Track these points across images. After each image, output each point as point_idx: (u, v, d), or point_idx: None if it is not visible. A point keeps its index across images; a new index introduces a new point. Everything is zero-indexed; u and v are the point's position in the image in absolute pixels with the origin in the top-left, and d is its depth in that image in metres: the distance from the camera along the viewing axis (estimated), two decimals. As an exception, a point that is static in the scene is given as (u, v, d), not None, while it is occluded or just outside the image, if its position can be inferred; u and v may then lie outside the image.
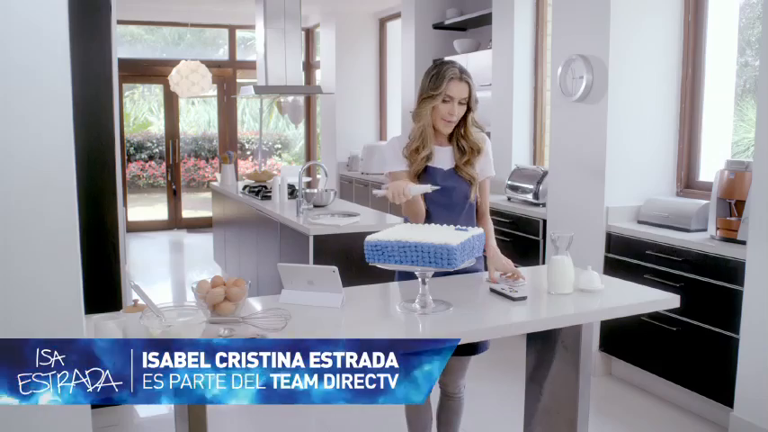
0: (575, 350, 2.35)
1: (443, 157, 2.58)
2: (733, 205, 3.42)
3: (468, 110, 2.54)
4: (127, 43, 9.54)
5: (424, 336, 1.91)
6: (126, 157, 9.56)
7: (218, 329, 1.86)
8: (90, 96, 3.23)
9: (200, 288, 2.02)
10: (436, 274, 2.18)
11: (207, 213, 8.09)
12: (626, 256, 3.85)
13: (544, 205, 4.59)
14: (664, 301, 2.29)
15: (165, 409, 3.40)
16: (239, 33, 9.50)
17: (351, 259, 3.58)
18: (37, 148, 1.51)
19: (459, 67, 2.53)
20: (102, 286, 3.27)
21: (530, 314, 2.16)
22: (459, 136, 2.57)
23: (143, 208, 9.77)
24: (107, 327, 1.77)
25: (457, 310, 2.09)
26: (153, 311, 1.78)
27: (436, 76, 2.50)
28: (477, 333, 1.99)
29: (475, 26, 6.37)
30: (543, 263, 4.44)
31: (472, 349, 2.50)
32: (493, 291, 2.29)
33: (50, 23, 1.45)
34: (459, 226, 2.19)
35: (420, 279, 2.10)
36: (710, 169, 3.99)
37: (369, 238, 2.05)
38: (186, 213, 9.53)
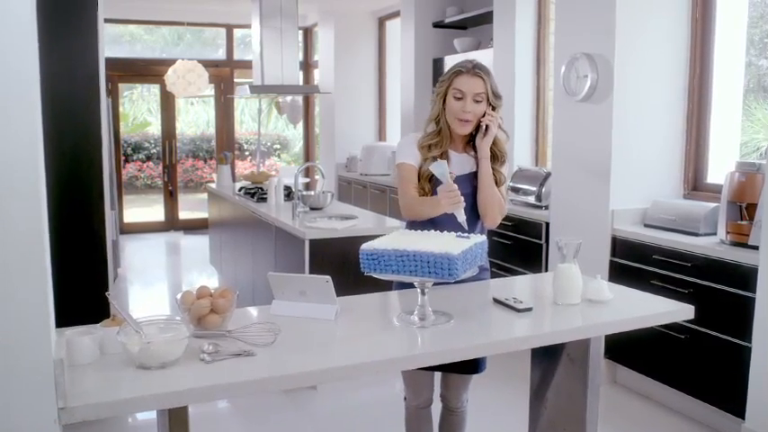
0: (582, 363, 2.23)
1: (457, 163, 2.43)
2: (744, 208, 3.30)
3: (492, 108, 2.39)
4: (126, 43, 9.44)
5: (424, 351, 1.78)
6: (124, 158, 9.46)
7: (202, 344, 1.74)
8: (76, 95, 3.13)
9: (185, 300, 1.90)
10: (437, 283, 2.05)
11: (204, 215, 7.98)
12: (632, 261, 3.73)
13: (547, 208, 4.47)
14: (677, 312, 2.16)
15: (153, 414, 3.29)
16: (239, 32, 9.38)
17: (348, 264, 3.46)
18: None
19: (475, 62, 2.39)
20: (89, 292, 3.15)
21: (535, 327, 2.03)
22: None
23: (140, 209, 9.66)
24: (81, 343, 1.65)
25: (458, 322, 1.97)
26: (131, 326, 1.66)
27: (448, 69, 2.41)
28: (479, 349, 1.86)
29: (475, 25, 6.26)
30: (546, 267, 4.32)
31: (474, 367, 2.38)
32: (496, 301, 2.17)
33: (15, 16, 1.32)
34: (460, 233, 2.06)
35: (419, 289, 1.97)
36: (718, 171, 3.88)
37: (364, 246, 1.93)
38: (183, 215, 9.41)
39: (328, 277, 2.01)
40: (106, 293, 1.73)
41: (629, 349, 3.77)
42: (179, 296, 1.93)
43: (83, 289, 3.11)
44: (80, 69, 3.13)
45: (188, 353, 1.69)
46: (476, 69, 2.36)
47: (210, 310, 1.89)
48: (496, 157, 2.44)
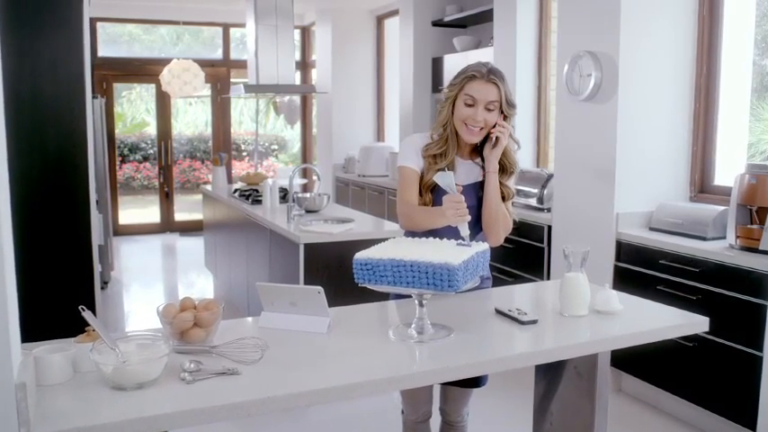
0: (590, 377, 2.10)
1: (463, 171, 2.28)
2: (754, 212, 3.19)
3: (505, 117, 2.23)
4: (125, 43, 9.31)
5: (421, 370, 1.66)
6: (120, 159, 9.35)
7: (183, 362, 1.61)
8: (61, 95, 3.01)
9: (166, 313, 1.78)
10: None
11: (201, 216, 7.87)
12: (637, 266, 3.61)
13: (549, 210, 4.35)
14: (691, 324, 2.04)
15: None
16: (237, 32, 9.25)
17: (344, 270, 3.32)
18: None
19: (490, 66, 2.22)
20: (75, 301, 3.02)
21: (541, 342, 1.90)
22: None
23: (136, 210, 9.53)
24: (52, 361, 1.52)
25: (458, 336, 1.84)
26: (106, 343, 1.54)
27: (460, 72, 2.24)
28: (480, 366, 1.73)
29: (475, 23, 6.15)
30: (548, 271, 4.21)
31: (475, 380, 2.25)
32: (499, 312, 2.04)
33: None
34: (461, 241, 1.93)
35: (417, 301, 1.85)
36: (725, 173, 3.77)
37: (358, 255, 1.80)
38: (180, 216, 9.28)
39: (320, 288, 1.89)
40: (79, 307, 1.60)
41: (634, 357, 3.63)
42: (160, 308, 1.81)
43: (68, 297, 2.99)
44: (65, 69, 3.01)
45: (169, 370, 1.57)
46: (491, 75, 2.19)
47: (194, 323, 1.77)
48: (505, 169, 2.30)
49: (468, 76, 2.20)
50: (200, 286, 6.57)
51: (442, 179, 2.00)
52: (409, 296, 1.96)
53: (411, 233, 2.30)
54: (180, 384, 1.53)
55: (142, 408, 1.43)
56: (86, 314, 1.58)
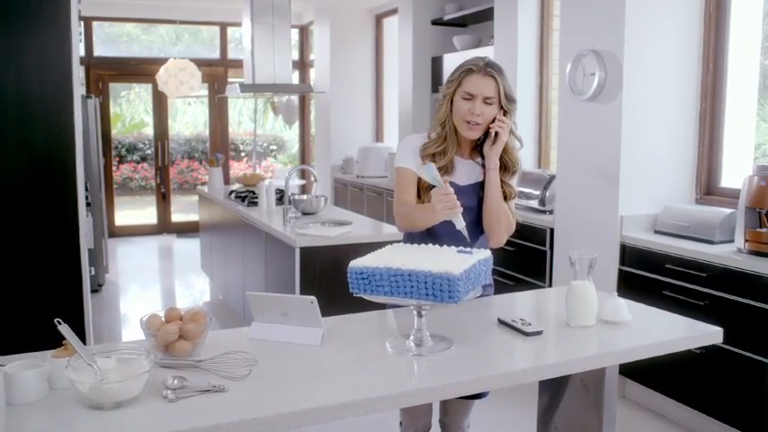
0: (597, 390, 2.01)
1: (463, 171, 2.20)
2: (764, 215, 3.09)
3: (504, 113, 2.16)
4: (123, 43, 9.23)
5: (420, 387, 1.56)
6: (118, 159, 9.26)
7: (166, 378, 1.52)
8: (48, 93, 2.92)
9: (150, 324, 1.69)
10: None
11: (197, 217, 7.78)
12: (642, 270, 3.51)
13: (551, 212, 4.25)
14: (704, 336, 1.93)
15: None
16: (237, 32, 9.15)
17: (341, 275, 3.23)
18: None
19: (487, 60, 2.15)
20: (63, 307, 2.93)
21: (546, 355, 1.80)
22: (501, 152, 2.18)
23: (133, 211, 9.43)
24: (25, 378, 1.42)
25: (459, 348, 1.75)
26: (83, 359, 1.44)
27: (457, 67, 2.16)
28: (482, 382, 1.63)
29: (475, 22, 6.06)
30: (550, 275, 4.12)
31: (477, 392, 2.16)
32: (501, 322, 1.95)
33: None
34: (462, 248, 1.84)
35: (415, 312, 1.75)
36: (731, 174, 3.67)
37: (353, 263, 1.70)
38: (177, 217, 9.18)
39: (313, 298, 1.79)
40: (55, 320, 1.50)
41: (639, 363, 3.54)
42: (144, 319, 1.71)
43: (55, 304, 2.90)
44: (52, 67, 2.92)
45: (151, 387, 1.48)
46: (488, 68, 2.12)
47: (180, 335, 1.68)
48: (507, 167, 2.21)
49: (465, 70, 2.14)
50: (197, 289, 6.47)
51: (427, 172, 1.91)
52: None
53: (409, 236, 2.22)
54: (162, 403, 1.43)
55: (120, 429, 1.33)
56: (62, 327, 1.48)
